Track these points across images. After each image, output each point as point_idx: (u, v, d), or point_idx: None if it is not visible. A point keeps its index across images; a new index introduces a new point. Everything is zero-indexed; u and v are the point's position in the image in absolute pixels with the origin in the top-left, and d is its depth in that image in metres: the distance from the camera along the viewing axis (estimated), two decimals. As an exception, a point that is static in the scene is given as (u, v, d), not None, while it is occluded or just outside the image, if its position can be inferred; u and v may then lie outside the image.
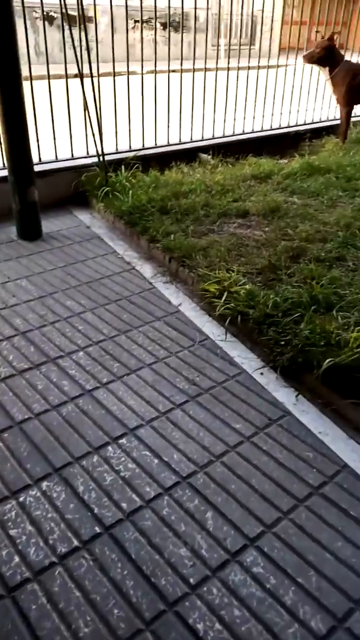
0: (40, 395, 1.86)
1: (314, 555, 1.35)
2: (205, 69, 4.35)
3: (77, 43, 3.19)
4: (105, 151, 3.60)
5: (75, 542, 1.37)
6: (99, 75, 3.45)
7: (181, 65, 3.98)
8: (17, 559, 1.33)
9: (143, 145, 4.00)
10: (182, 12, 3.90)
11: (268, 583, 1.28)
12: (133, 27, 10.39)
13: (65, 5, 3.09)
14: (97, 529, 1.41)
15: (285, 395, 1.93)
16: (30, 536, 1.39)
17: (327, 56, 4.56)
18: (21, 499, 1.49)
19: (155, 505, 1.47)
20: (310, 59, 4.60)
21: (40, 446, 1.65)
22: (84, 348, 2.13)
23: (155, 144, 4.08)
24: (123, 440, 1.68)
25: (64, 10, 3.13)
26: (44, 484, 1.53)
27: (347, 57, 4.77)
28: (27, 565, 1.32)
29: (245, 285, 2.44)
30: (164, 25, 12.03)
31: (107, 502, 1.48)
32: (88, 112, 3.43)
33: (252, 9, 4.79)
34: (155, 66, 3.93)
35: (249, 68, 4.51)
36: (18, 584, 1.28)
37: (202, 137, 4.35)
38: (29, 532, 1.39)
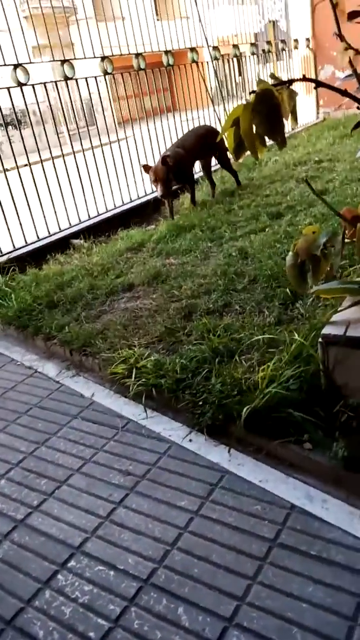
0: (-30, 544, 1.70)
1: (292, 610, 1.35)
2: (53, 157, 4.53)
3: None
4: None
5: None
6: None
7: (28, 159, 4.10)
8: None
9: (14, 246, 4.00)
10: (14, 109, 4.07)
11: (257, 660, 1.26)
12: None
13: None
14: (71, 674, 1.30)
15: (218, 454, 1.96)
16: None
17: (171, 177, 4.58)
18: (-22, 674, 1.33)
19: (125, 622, 1.39)
20: (167, 192, 4.63)
21: (-16, 603, 1.50)
22: (4, 475, 2.00)
23: (26, 242, 4.11)
24: (72, 563, 1.58)
25: None
26: (0, 645, 1.39)
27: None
28: None
29: (150, 357, 2.48)
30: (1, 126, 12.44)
31: (73, 637, 1.37)
32: None
33: (77, 94, 5.15)
34: (2, 164, 4.01)
35: (92, 147, 4.77)
36: None
37: (70, 224, 4.47)
38: None
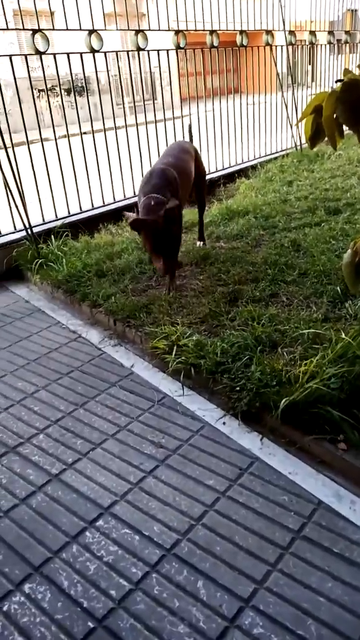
0: (5, 490, 1.79)
1: (309, 602, 1.38)
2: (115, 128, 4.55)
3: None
4: (32, 223, 3.63)
5: (70, 645, 1.32)
6: (13, 146, 3.49)
7: (92, 126, 4.13)
8: None
9: (69, 212, 4.06)
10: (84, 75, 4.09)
11: (271, 642, 1.29)
12: (38, 96, 10.68)
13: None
14: (91, 624, 1.36)
15: (250, 440, 1.98)
16: (20, 649, 1.31)
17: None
18: (5, 608, 1.41)
19: (145, 586, 1.44)
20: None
21: (15, 546, 1.59)
22: (43, 430, 2.08)
23: (81, 209, 4.17)
24: (100, 522, 1.64)
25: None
26: (27, 587, 1.47)
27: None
28: None
29: (192, 336, 2.51)
30: (68, 91, 12.55)
31: (95, 592, 1.44)
32: (8, 186, 3.46)
33: (144, 66, 5.12)
34: (67, 130, 4.05)
35: (156, 121, 4.76)
36: None
37: (125, 196, 4.49)
38: (19, 645, 1.32)
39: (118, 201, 4.44)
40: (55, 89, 11.48)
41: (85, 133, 4.10)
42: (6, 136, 3.39)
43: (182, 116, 5.33)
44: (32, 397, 2.29)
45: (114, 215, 4.30)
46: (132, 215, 2.72)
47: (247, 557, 1.50)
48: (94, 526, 1.63)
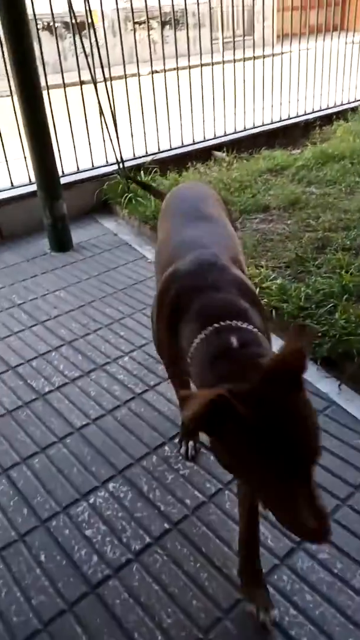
0: (94, 401, 1.95)
1: (376, 538, 1.41)
2: (213, 63, 4.39)
3: (86, 50, 3.26)
4: (124, 157, 3.67)
5: (148, 539, 1.46)
6: (111, 79, 3.48)
7: (189, 62, 4.02)
8: (95, 558, 1.42)
9: (159, 149, 4.05)
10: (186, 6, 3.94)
11: (335, 568, 1.35)
12: (131, 30, 10.41)
13: (74, 13, 3.16)
14: (166, 525, 1.49)
15: (328, 385, 1.98)
16: (104, 535, 1.47)
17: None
18: (91, 501, 1.57)
19: (217, 500, 1.54)
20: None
21: (101, 450, 1.74)
22: (128, 353, 2.21)
23: (170, 146, 4.14)
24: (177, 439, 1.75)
25: (73, 19, 3.19)
26: (111, 485, 1.62)
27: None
28: (106, 564, 1.41)
29: (275, 279, 2.49)
30: (161, 25, 12.04)
31: (172, 499, 1.56)
32: (104, 119, 3.49)
33: None
34: (165, 65, 3.97)
35: (254, 58, 4.53)
36: (100, 581, 1.36)
37: (215, 135, 4.39)
38: (103, 532, 1.48)
39: (208, 139, 4.35)
40: (147, 22, 11.12)
41: (178, 69, 4.00)
42: (105, 70, 3.39)
43: (282, 53, 5.03)
44: (118, 323, 2.41)
45: (203, 154, 4.24)
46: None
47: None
48: (173, 443, 1.75)
